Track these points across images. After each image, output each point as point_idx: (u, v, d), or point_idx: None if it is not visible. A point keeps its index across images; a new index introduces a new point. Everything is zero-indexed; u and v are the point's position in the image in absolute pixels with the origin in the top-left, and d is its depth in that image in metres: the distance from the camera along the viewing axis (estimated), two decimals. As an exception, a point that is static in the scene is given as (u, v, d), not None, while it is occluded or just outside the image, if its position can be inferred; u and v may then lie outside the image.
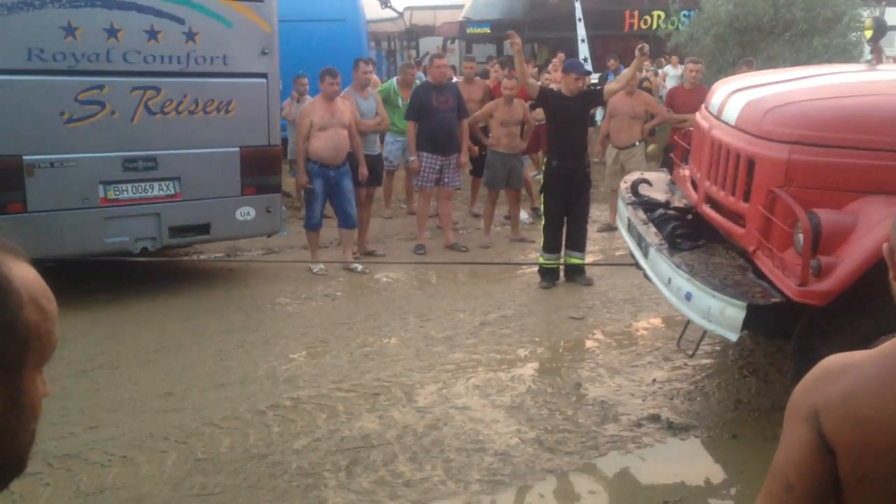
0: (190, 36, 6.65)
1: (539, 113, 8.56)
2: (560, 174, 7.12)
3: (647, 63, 12.99)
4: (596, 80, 13.49)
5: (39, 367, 0.87)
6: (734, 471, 4.11)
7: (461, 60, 13.64)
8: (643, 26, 20.82)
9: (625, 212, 5.38)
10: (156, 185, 6.74)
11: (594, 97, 7.71)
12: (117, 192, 6.57)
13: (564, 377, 5.22)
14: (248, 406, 4.72)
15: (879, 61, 5.29)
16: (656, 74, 15.41)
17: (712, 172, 4.67)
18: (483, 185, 9.16)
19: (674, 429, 4.48)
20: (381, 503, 3.76)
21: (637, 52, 7.09)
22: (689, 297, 4.11)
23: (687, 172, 5.40)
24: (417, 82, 9.48)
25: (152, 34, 6.49)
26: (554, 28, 19.46)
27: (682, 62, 13.75)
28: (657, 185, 5.63)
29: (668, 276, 4.36)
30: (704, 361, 5.43)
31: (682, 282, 4.17)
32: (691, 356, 4.68)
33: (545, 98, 7.47)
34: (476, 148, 8.79)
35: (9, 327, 0.83)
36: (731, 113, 4.54)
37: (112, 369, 5.18)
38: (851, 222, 3.77)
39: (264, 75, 7.08)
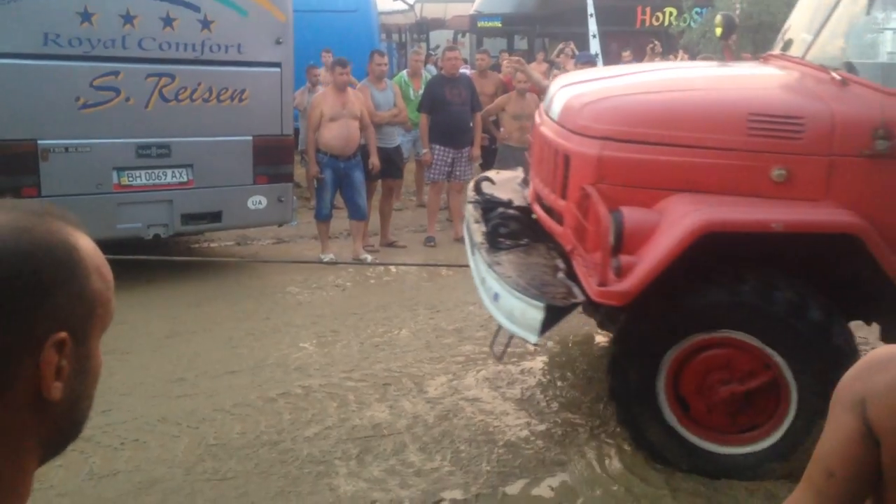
0: (205, 24, 6.67)
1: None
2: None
3: (657, 61, 12.95)
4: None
5: (100, 334, 0.89)
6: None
7: (472, 54, 13.64)
8: (655, 23, 20.78)
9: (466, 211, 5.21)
10: (169, 172, 6.76)
11: None
12: (130, 179, 6.60)
13: (575, 370, 5.23)
14: (259, 393, 4.75)
15: (730, 59, 5.23)
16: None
17: (540, 170, 4.56)
18: (494, 178, 9.15)
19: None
20: (391, 492, 3.78)
21: (648, 51, 7.09)
22: (496, 297, 3.97)
23: None
24: (427, 75, 9.48)
25: (168, 21, 6.51)
26: (565, 23, 19.41)
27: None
28: (508, 183, 5.44)
29: (482, 275, 4.23)
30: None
31: (492, 282, 4.02)
32: (500, 360, 4.53)
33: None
34: (485, 136, 8.80)
35: (79, 295, 0.85)
36: (556, 109, 4.41)
37: (124, 354, 5.20)
38: (655, 221, 3.67)
39: (278, 64, 7.09)
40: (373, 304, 6.45)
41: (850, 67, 4.03)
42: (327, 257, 7.58)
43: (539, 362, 5.39)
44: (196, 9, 6.62)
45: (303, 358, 5.33)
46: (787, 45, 4.73)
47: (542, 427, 4.42)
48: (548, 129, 4.41)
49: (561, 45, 11.75)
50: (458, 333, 5.81)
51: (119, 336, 5.45)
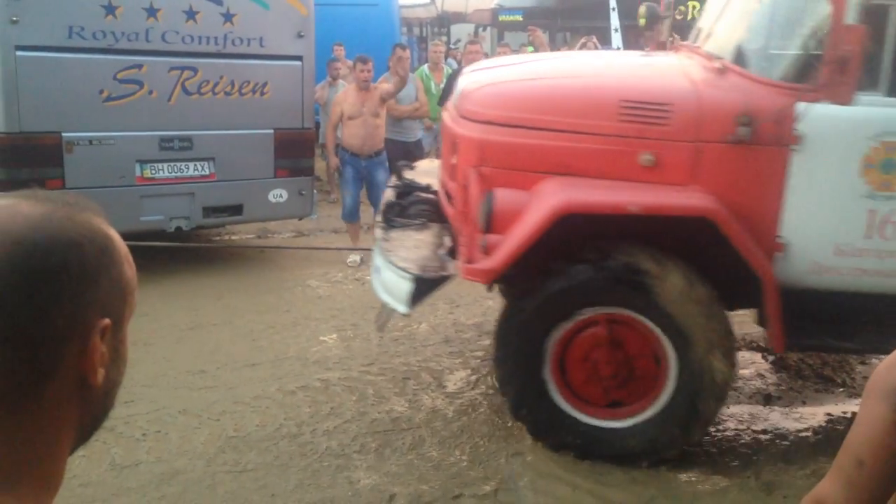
0: (228, 17, 6.69)
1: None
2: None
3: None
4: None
5: (129, 321, 0.91)
6: (765, 464, 4.08)
7: (493, 48, 13.60)
8: (678, 17, 20.58)
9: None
10: (191, 164, 6.80)
11: None
12: (153, 171, 6.64)
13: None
14: (279, 386, 4.77)
15: (655, 49, 5.25)
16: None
17: (443, 155, 4.73)
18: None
19: (704, 422, 4.46)
20: (410, 486, 3.78)
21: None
22: (378, 270, 4.20)
23: None
24: (448, 69, 9.46)
25: (191, 14, 6.53)
26: (587, 17, 19.29)
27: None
28: (436, 170, 5.52)
29: (373, 252, 4.42)
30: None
31: (376, 256, 4.27)
32: (381, 331, 4.61)
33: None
34: None
35: (117, 282, 0.86)
36: (455, 95, 4.57)
37: (147, 346, 5.25)
38: (525, 202, 3.80)
39: (300, 58, 7.10)
40: (392, 298, 6.45)
41: (737, 57, 4.10)
42: (350, 259, 7.48)
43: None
44: (219, 2, 6.64)
45: (322, 351, 5.35)
46: (697, 34, 4.79)
47: (562, 423, 4.40)
48: (447, 115, 4.60)
49: (583, 40, 11.68)
50: (477, 328, 5.81)
51: (142, 327, 5.49)
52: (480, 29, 23.61)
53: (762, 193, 3.84)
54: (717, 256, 3.80)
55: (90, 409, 0.87)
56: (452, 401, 4.64)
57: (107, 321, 0.84)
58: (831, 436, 4.35)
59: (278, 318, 5.93)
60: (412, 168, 5.61)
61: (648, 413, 3.92)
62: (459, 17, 24.24)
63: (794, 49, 4.08)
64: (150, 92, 6.49)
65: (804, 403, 4.77)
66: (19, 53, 5.95)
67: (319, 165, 9.25)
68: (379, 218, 4.74)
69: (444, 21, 24.03)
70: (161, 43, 6.45)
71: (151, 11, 6.38)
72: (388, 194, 5.15)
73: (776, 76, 3.91)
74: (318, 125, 9.23)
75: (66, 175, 6.20)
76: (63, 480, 0.87)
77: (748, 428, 4.44)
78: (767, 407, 4.72)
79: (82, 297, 0.82)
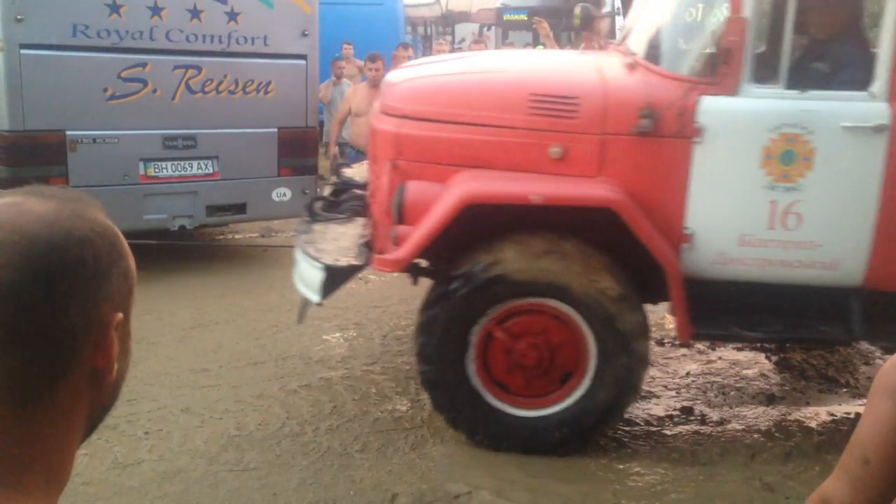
0: (232, 16, 6.69)
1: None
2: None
3: None
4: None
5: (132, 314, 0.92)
6: (769, 465, 4.07)
7: (497, 47, 13.59)
8: (688, 18, 20.51)
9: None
10: (195, 163, 6.80)
11: None
12: (157, 170, 6.65)
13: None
14: (282, 385, 4.77)
15: (589, 48, 5.30)
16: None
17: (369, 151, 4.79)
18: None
19: (707, 422, 4.45)
20: (412, 485, 3.78)
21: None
22: (296, 262, 4.26)
23: None
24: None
25: (195, 13, 6.54)
26: (592, 16, 19.21)
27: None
28: None
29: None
30: (739, 356, 5.38)
31: (296, 248, 4.33)
32: (300, 322, 4.67)
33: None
34: None
35: (125, 276, 0.87)
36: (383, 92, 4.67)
37: (149, 344, 5.25)
38: (435, 194, 3.88)
39: (304, 57, 7.11)
40: (395, 298, 6.44)
41: (649, 53, 4.19)
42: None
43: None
44: (223, 1, 6.64)
45: (325, 350, 5.35)
46: (623, 33, 4.87)
47: (564, 423, 4.39)
48: (375, 111, 4.68)
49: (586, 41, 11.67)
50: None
51: (145, 326, 5.50)
52: (485, 28, 23.57)
53: (668, 185, 3.91)
54: (636, 249, 3.86)
55: (100, 402, 0.88)
56: (455, 400, 4.63)
57: (120, 315, 0.85)
58: (835, 436, 4.33)
59: (281, 316, 5.93)
60: (351, 167, 5.76)
61: (571, 400, 3.97)
62: (464, 17, 24.22)
63: (697, 44, 4.15)
64: (154, 90, 6.50)
65: (808, 404, 4.76)
66: (23, 52, 5.95)
67: (324, 164, 9.25)
68: (305, 213, 4.88)
69: (449, 20, 23.99)
70: (165, 41, 6.46)
71: (156, 10, 6.38)
72: (325, 191, 5.23)
73: (682, 71, 3.98)
74: (321, 124, 9.23)
75: (69, 173, 6.20)
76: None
77: (751, 429, 4.43)
78: (771, 407, 4.70)
79: (97, 293, 0.82)
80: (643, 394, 4.78)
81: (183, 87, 6.61)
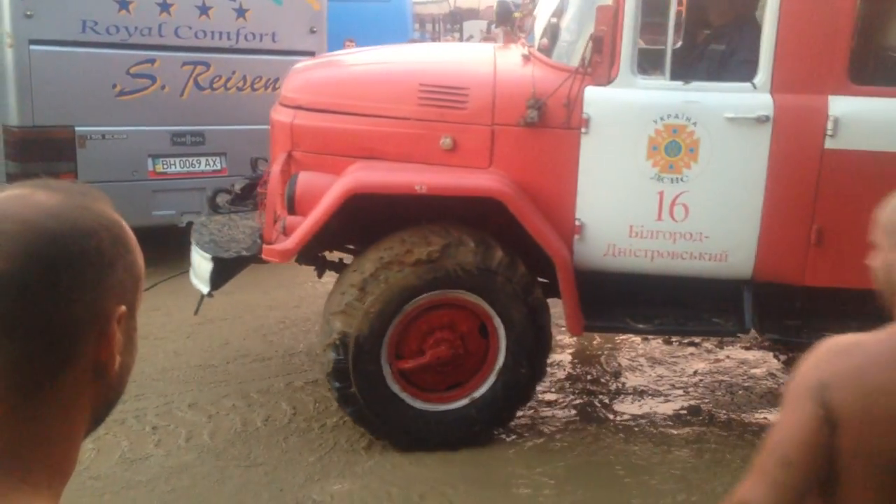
0: (240, 12, 6.69)
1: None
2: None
3: None
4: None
5: (139, 308, 0.92)
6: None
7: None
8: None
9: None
10: (203, 160, 6.81)
11: None
12: (165, 166, 6.66)
13: (604, 366, 5.19)
14: (288, 381, 4.77)
15: (508, 43, 5.22)
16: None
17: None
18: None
19: (714, 421, 4.44)
20: (419, 481, 3.78)
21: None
22: (191, 254, 4.27)
23: None
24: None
25: (204, 10, 6.54)
26: (600, 14, 19.15)
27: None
28: None
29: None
30: (748, 355, 5.36)
31: (191, 241, 4.34)
32: (196, 313, 4.65)
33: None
34: None
35: (130, 270, 0.87)
36: None
37: (157, 340, 5.26)
38: (326, 185, 3.87)
39: (312, 53, 7.07)
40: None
41: (545, 45, 4.22)
42: None
43: (568, 356, 5.35)
44: (232, -3, 6.65)
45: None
46: (531, 26, 4.92)
47: (573, 421, 4.38)
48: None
49: None
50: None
51: (153, 322, 5.51)
52: (493, 25, 23.55)
53: (557, 177, 3.92)
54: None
55: (104, 396, 0.88)
56: (462, 397, 4.63)
57: (123, 308, 0.85)
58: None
59: (288, 313, 5.93)
60: (267, 161, 5.73)
61: (485, 387, 3.98)
62: (472, 14, 24.19)
63: (579, 35, 4.13)
64: (163, 87, 6.50)
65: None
66: (33, 48, 5.97)
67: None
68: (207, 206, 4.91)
69: (457, 17, 23.96)
70: (174, 38, 6.46)
71: (165, 6, 6.39)
72: (235, 186, 5.25)
73: (569, 62, 3.97)
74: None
75: (78, 169, 6.21)
76: (75, 468, 0.87)
77: (760, 428, 4.41)
78: (779, 406, 4.68)
79: (101, 285, 0.82)
80: (650, 392, 4.77)
81: (191, 84, 6.62)
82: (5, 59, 5.99)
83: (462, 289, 3.85)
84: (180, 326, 5.59)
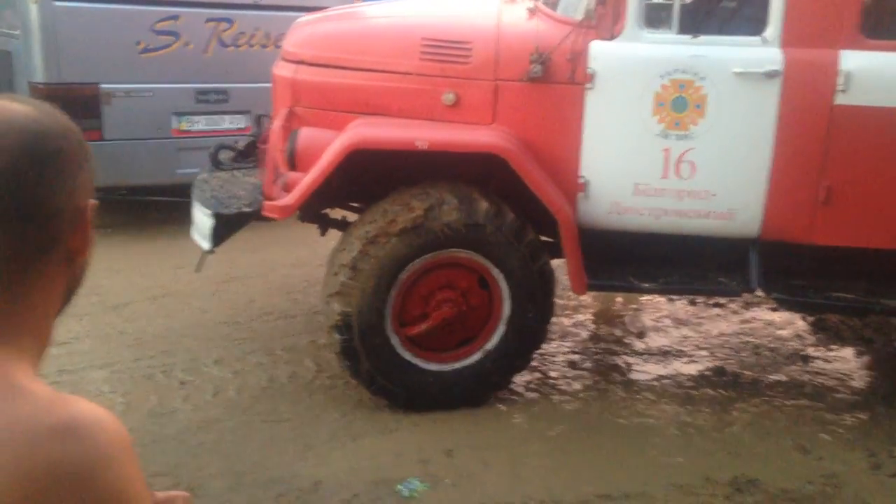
0: (263, -32, 6.62)
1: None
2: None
3: None
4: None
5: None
6: (803, 426, 4.03)
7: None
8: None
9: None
10: (227, 117, 6.80)
11: None
12: (189, 124, 6.66)
13: (628, 326, 5.17)
14: (312, 339, 4.81)
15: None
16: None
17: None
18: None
19: (739, 383, 4.42)
20: (442, 438, 3.80)
21: None
22: (192, 210, 4.23)
23: None
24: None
25: (226, -35, 6.48)
26: None
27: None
28: None
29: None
30: (774, 316, 5.32)
31: (192, 197, 4.30)
32: (197, 271, 4.58)
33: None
34: None
35: (91, 171, 1.01)
36: None
37: (183, 297, 5.31)
38: (328, 141, 3.81)
39: (335, 10, 7.01)
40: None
41: (554, 0, 4.10)
42: None
43: (590, 315, 5.34)
44: (255, -47, 6.58)
45: (356, 305, 5.36)
46: None
47: (593, 382, 4.39)
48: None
49: None
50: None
51: (179, 279, 5.56)
52: None
53: (561, 133, 3.85)
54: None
55: (70, 283, 1.01)
56: (485, 356, 4.64)
57: (94, 202, 0.98)
58: (870, 398, 4.28)
59: (313, 271, 5.95)
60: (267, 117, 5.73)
61: (496, 338, 3.96)
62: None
63: None
64: (187, 44, 6.48)
65: (843, 365, 4.70)
66: (57, 3, 5.95)
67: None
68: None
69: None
70: (197, -7, 6.43)
71: (187, -39, 6.33)
72: (238, 142, 5.23)
73: (575, 16, 3.85)
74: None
75: (104, 127, 6.23)
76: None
77: (785, 389, 4.39)
78: (805, 368, 4.65)
79: (75, 179, 0.95)
80: (674, 353, 4.76)
81: (215, 41, 6.59)
82: (30, 16, 5.98)
83: (453, 247, 3.82)
84: (206, 284, 5.63)
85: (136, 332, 4.78)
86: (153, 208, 6.92)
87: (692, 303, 5.49)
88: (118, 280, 5.51)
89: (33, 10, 5.95)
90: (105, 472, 0.84)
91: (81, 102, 6.13)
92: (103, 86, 6.22)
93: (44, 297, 0.96)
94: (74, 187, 0.95)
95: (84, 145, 0.99)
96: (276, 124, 4.04)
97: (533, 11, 4.03)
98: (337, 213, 4.73)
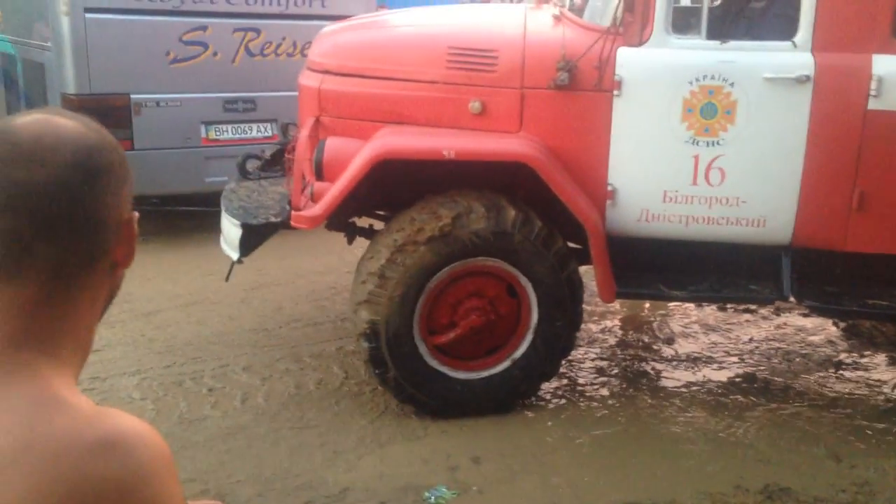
0: (290, -22, 6.68)
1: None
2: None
3: None
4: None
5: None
6: (835, 434, 3.97)
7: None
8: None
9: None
10: (254, 126, 6.86)
11: None
12: (218, 133, 6.73)
13: (657, 332, 5.13)
14: (339, 346, 4.83)
15: (541, 4, 4.98)
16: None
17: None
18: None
19: (770, 389, 4.36)
20: (469, 447, 3.80)
21: None
22: (221, 221, 4.24)
23: None
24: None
25: (254, -24, 6.54)
26: None
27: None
28: None
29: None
30: (806, 322, 5.25)
31: (221, 206, 4.31)
32: (227, 280, 4.61)
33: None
34: None
35: (132, 185, 1.04)
36: None
37: (212, 304, 5.36)
38: (354, 150, 3.79)
39: (361, 18, 7.06)
40: (453, 260, 6.44)
41: (578, 6, 4.10)
42: None
43: (618, 322, 5.31)
44: (281, -37, 6.64)
45: (383, 312, 5.37)
46: None
47: (622, 387, 4.36)
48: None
49: None
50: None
51: (208, 286, 5.62)
52: None
53: (589, 140, 3.82)
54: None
55: (113, 288, 1.04)
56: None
57: (137, 214, 1.02)
58: (905, 406, 4.21)
59: (340, 279, 5.98)
60: (295, 125, 5.75)
61: (524, 346, 3.95)
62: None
63: None
64: (215, 54, 6.55)
65: (876, 371, 4.62)
66: (88, 15, 6.05)
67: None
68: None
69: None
70: (225, 4, 6.49)
71: (215, -27, 6.41)
72: (266, 152, 5.25)
73: (602, 22, 3.83)
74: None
75: (134, 137, 6.32)
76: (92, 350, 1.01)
77: (817, 397, 4.33)
78: (837, 375, 4.58)
79: (121, 192, 0.98)
80: (704, 359, 4.71)
81: (242, 51, 6.66)
82: (62, 28, 6.09)
83: (481, 255, 3.82)
84: (234, 291, 5.68)
85: (166, 339, 4.83)
86: (183, 217, 7.00)
87: (722, 309, 5.44)
88: (149, 288, 5.58)
89: (65, 23, 6.05)
90: (146, 488, 0.85)
91: (113, 113, 6.22)
92: (134, 96, 6.30)
93: (88, 307, 0.98)
94: (120, 200, 0.98)
95: (125, 161, 1.01)
96: (303, 134, 4.07)
97: (559, 18, 4.03)
98: (364, 222, 4.74)
